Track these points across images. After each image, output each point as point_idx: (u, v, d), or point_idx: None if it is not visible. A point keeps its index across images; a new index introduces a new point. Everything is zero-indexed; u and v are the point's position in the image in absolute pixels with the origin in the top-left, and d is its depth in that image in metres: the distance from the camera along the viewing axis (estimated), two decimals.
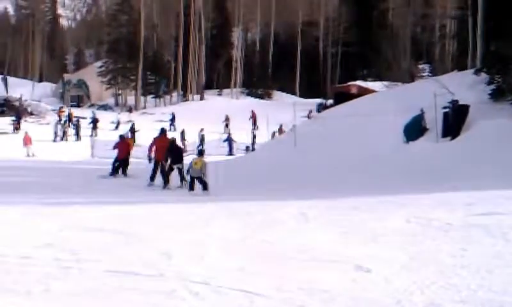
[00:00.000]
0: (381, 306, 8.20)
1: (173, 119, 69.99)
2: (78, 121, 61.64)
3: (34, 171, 32.80)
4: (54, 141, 56.16)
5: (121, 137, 33.19)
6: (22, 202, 18.89)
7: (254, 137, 54.68)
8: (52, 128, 58.62)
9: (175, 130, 64.07)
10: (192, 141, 52.51)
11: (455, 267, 9.77)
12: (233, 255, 11.09)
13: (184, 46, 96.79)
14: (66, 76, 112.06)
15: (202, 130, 55.80)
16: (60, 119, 62.67)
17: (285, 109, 58.46)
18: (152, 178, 26.05)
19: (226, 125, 66.93)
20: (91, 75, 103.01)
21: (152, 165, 26.77)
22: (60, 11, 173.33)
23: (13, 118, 64.94)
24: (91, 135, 56.54)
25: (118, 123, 67.18)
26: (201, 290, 8.87)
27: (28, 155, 45.55)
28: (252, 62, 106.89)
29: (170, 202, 19.43)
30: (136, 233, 13.25)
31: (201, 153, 25.36)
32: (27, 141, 47.62)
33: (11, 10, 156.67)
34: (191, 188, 23.03)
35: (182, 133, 55.58)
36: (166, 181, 25.33)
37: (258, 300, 8.39)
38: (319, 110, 71.91)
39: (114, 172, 30.22)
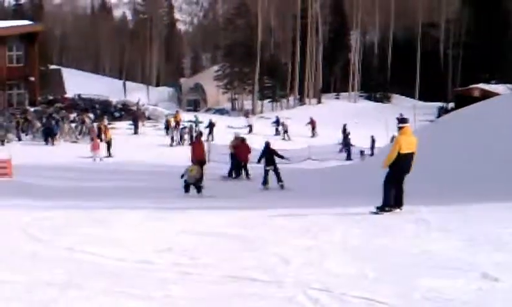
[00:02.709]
0: None
1: (277, 123, 69.10)
2: (192, 126, 61.74)
3: (149, 175, 32.97)
4: (171, 145, 56.25)
5: (197, 138, 33.44)
6: (139, 206, 19.42)
7: (373, 141, 53.31)
8: (169, 133, 58.93)
9: (278, 133, 65.27)
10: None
11: None
12: (354, 261, 10.76)
13: (301, 49, 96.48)
14: (183, 80, 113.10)
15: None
16: (177, 124, 62.88)
17: (405, 113, 57.27)
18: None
19: (313, 128, 67.13)
20: (208, 79, 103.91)
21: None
22: (177, 15, 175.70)
23: (131, 122, 65.64)
24: (208, 140, 56.28)
25: (251, 127, 67.07)
26: (322, 296, 8.56)
27: (94, 160, 45.68)
28: (370, 65, 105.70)
29: (283, 207, 18.97)
30: (254, 238, 13.14)
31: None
32: (95, 146, 48.06)
33: (129, 15, 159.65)
34: (187, 190, 24.92)
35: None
36: (265, 182, 27.00)
37: None
38: (439, 114, 70.18)
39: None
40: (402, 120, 16.58)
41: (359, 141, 54.05)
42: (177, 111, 76.13)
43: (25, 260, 11.12)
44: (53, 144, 56.00)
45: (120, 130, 63.61)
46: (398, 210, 16.00)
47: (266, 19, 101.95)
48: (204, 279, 9.69)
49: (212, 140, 56.91)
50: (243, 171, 32.15)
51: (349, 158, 51.15)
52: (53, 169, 37.62)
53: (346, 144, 52.92)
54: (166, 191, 25.95)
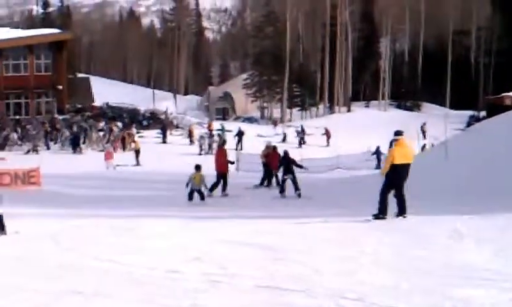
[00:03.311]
0: None
1: (302, 132, 68.99)
2: (219, 134, 61.91)
3: (177, 184, 32.99)
4: (200, 154, 56.13)
5: (219, 146, 33.66)
6: (167, 215, 19.56)
7: None
8: (197, 141, 58.96)
9: (304, 142, 65.11)
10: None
11: None
12: (386, 271, 10.68)
13: (330, 57, 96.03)
14: (211, 89, 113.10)
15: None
16: (210, 133, 63.13)
17: (435, 121, 56.87)
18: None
19: (328, 138, 67.10)
20: (236, 88, 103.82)
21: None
22: (205, 23, 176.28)
23: (159, 131, 65.76)
24: (237, 149, 56.15)
25: (285, 136, 67.18)
26: None
27: (107, 168, 45.60)
28: (400, 73, 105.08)
29: (313, 216, 18.74)
30: (284, 247, 13.04)
31: (198, 168, 26.64)
32: (108, 155, 48.13)
33: (157, 23, 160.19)
34: (190, 198, 25.71)
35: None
36: (282, 190, 27.30)
37: None
38: (470, 123, 69.59)
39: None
40: (396, 133, 17.25)
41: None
42: (210, 120, 76.36)
43: (53, 268, 11.12)
44: (81, 152, 56.10)
45: (148, 138, 63.65)
46: (401, 217, 16.57)
47: (295, 26, 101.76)
48: (234, 288, 9.64)
49: (241, 149, 56.74)
50: (274, 180, 32.02)
51: (378, 167, 50.67)
52: (81, 178, 37.72)
53: (376, 152, 52.43)
54: (194, 200, 25.94)
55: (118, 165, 46.76)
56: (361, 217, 17.41)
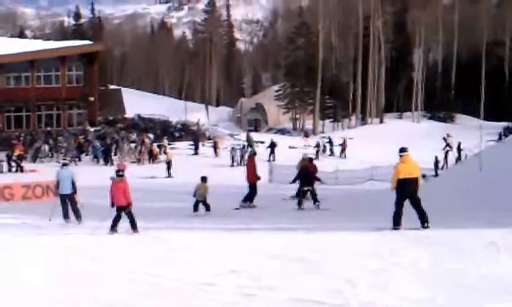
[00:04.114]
0: None
1: (330, 143, 68.49)
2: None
3: (215, 196, 32.92)
4: (232, 165, 55.85)
5: (249, 157, 34.14)
6: (200, 227, 19.69)
7: (437, 162, 52.18)
8: (229, 153, 58.75)
9: (332, 153, 65.07)
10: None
11: None
12: (422, 284, 10.59)
13: (362, 68, 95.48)
14: (243, 100, 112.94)
15: None
16: (249, 144, 63.20)
17: (469, 133, 56.42)
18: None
19: (343, 150, 66.53)
20: (268, 99, 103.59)
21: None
22: (237, 35, 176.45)
23: (191, 143, 65.63)
24: (269, 160, 55.80)
25: (324, 147, 66.87)
26: None
27: None
28: (434, 84, 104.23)
29: (346, 228, 18.67)
30: (318, 259, 12.97)
31: (204, 179, 27.18)
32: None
33: (189, 35, 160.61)
34: (195, 209, 25.97)
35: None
36: (299, 202, 27.30)
37: None
38: (505, 134, 68.79)
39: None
40: (401, 150, 18.55)
41: (421, 161, 52.88)
42: (249, 131, 76.25)
43: (85, 280, 11.10)
44: (112, 164, 56.01)
45: (180, 150, 63.53)
46: (425, 227, 17.42)
47: (327, 37, 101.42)
48: (269, 301, 9.61)
49: (274, 160, 56.34)
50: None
51: None
52: None
53: None
54: (226, 212, 26.07)
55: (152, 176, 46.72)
56: (396, 229, 17.36)
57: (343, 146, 67.30)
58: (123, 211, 18.86)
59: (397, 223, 17.62)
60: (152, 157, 58.78)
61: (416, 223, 17.75)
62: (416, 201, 17.71)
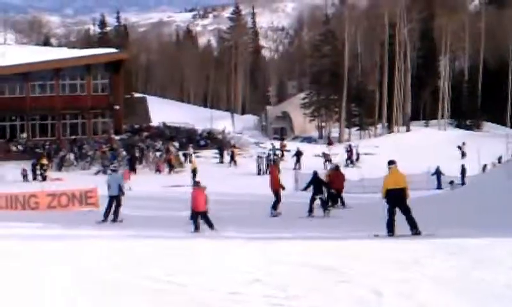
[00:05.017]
0: None
1: (349, 151, 67.73)
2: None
3: (235, 204, 33.08)
4: (258, 174, 55.72)
5: (271, 164, 34.26)
6: (225, 236, 19.78)
7: (463, 170, 51.69)
8: (255, 162, 58.65)
9: (351, 163, 64.47)
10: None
11: None
12: (449, 293, 10.48)
13: (388, 76, 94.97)
14: (269, 108, 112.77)
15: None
16: (282, 153, 62.99)
17: (496, 141, 56.13)
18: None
19: (348, 158, 65.88)
20: (294, 107, 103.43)
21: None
22: (262, 42, 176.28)
23: (216, 151, 65.58)
24: (295, 168, 55.62)
25: (358, 155, 66.55)
26: None
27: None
28: (460, 91, 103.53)
29: (371, 238, 18.60)
30: (345, 268, 12.78)
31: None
32: (125, 176, 48.15)
33: (214, 43, 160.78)
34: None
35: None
36: (310, 210, 27.73)
37: None
38: None
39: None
40: (389, 162, 20.00)
41: (449, 169, 52.53)
42: (283, 139, 76.18)
43: (108, 290, 10.99)
44: (135, 172, 55.99)
45: (205, 158, 63.48)
46: (415, 234, 18.61)
47: (353, 45, 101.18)
48: None
49: (299, 168, 56.08)
50: (339, 200, 31.74)
51: (439, 187, 49.62)
52: (138, 198, 37.55)
53: (436, 172, 51.35)
54: (252, 219, 26.20)
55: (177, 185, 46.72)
56: (424, 238, 17.37)
57: (348, 153, 66.81)
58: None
59: (390, 230, 18.84)
60: (171, 166, 58.81)
61: (397, 230, 18.42)
62: (404, 209, 18.94)
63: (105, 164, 58.08)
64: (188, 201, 23.51)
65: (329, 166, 49.60)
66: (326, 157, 63.48)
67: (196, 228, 22.37)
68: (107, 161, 59.17)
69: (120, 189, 26.82)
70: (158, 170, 58.43)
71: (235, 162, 63.14)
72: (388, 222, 18.94)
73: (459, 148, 68.57)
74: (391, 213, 19.01)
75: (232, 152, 64.92)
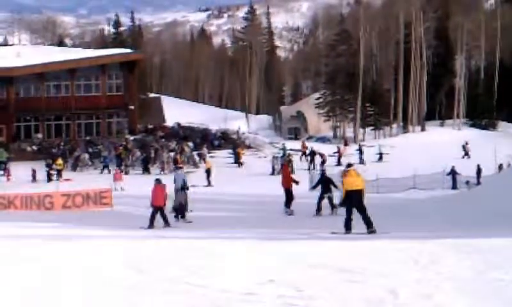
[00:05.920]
0: None
1: (360, 152, 67.32)
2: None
3: (249, 205, 33.03)
4: (272, 174, 55.64)
5: (283, 165, 35.25)
6: (241, 236, 19.51)
7: (479, 170, 51.41)
8: (270, 162, 58.60)
9: (363, 163, 63.31)
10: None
11: None
12: (465, 294, 10.29)
13: (404, 75, 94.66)
14: (283, 108, 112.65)
15: None
16: (303, 153, 62.81)
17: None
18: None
19: (339, 157, 65.07)
20: (309, 107, 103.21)
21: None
22: (277, 42, 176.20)
23: (231, 151, 65.47)
24: (309, 169, 55.48)
25: (381, 155, 66.41)
26: None
27: (116, 189, 45.12)
28: (476, 91, 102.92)
29: (386, 238, 18.43)
30: (359, 268, 12.69)
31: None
32: (116, 177, 48.35)
33: (228, 43, 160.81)
34: (176, 215, 28.61)
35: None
36: (318, 209, 28.45)
37: None
38: None
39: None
40: (347, 165, 22.17)
41: (464, 169, 52.30)
42: (303, 140, 76.11)
43: (126, 291, 10.98)
44: (149, 173, 55.99)
45: (219, 158, 63.40)
46: (370, 231, 20.08)
47: (368, 45, 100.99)
48: None
49: (314, 169, 55.96)
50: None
51: (454, 187, 49.37)
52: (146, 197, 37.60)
53: (451, 172, 51.11)
54: (267, 220, 26.08)
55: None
56: (440, 238, 17.13)
57: (338, 154, 66.34)
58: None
59: (348, 228, 20.34)
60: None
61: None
62: (361, 208, 20.40)
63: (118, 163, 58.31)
64: (198, 202, 23.65)
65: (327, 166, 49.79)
66: (323, 157, 63.30)
67: (151, 225, 24.71)
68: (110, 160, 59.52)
69: (185, 184, 29.50)
70: (162, 169, 58.04)
71: (240, 163, 62.95)
72: (346, 220, 20.40)
73: (463, 147, 68.44)
74: (349, 213, 20.42)
75: (237, 153, 64.64)
